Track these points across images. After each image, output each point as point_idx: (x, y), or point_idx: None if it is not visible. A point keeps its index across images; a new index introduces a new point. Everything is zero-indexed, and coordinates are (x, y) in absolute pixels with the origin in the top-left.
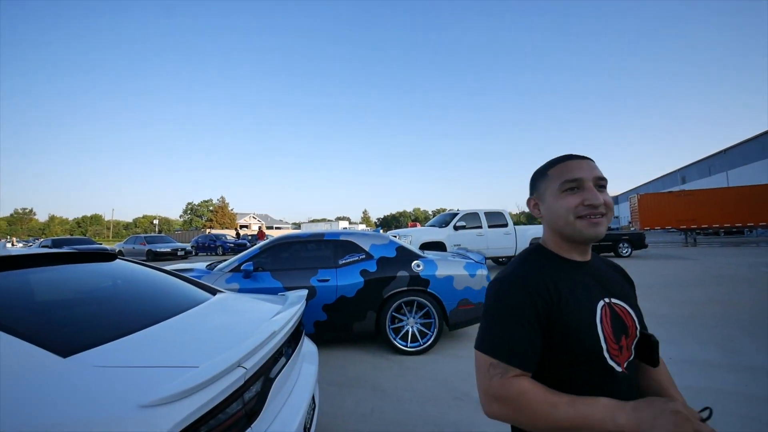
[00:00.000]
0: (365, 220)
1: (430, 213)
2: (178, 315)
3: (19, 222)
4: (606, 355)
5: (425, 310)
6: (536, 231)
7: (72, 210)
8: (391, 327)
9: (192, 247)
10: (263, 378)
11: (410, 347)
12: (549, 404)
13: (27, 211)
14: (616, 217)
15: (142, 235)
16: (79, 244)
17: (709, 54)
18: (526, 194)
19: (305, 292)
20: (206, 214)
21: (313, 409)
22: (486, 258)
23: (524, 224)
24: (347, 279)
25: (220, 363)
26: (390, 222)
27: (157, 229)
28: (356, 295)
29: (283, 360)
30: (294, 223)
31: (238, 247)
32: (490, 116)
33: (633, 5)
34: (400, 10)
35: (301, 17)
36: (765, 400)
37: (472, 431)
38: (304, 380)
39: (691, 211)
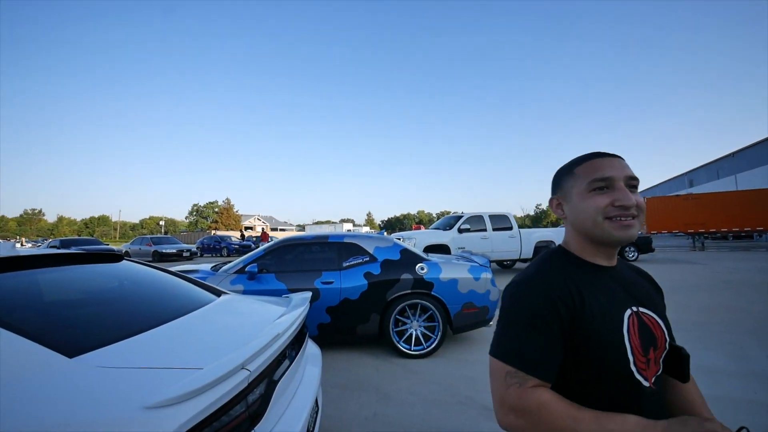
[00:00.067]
0: (369, 222)
1: (434, 216)
2: (183, 316)
3: (29, 222)
4: (633, 368)
5: (429, 313)
6: (541, 234)
7: (80, 211)
8: (395, 330)
9: (197, 248)
10: (267, 380)
11: (414, 350)
12: (571, 419)
13: (36, 211)
14: None
15: (149, 236)
16: (86, 245)
17: (718, 56)
18: (530, 197)
19: (309, 294)
20: (211, 216)
21: (317, 412)
22: (490, 261)
23: (529, 227)
24: (351, 281)
25: (224, 365)
26: (394, 224)
27: (163, 231)
28: (360, 298)
29: (286, 362)
30: (298, 225)
31: (242, 249)
32: (494, 119)
33: (641, 7)
34: (407, 14)
35: (306, 20)
36: None
37: None
38: (307, 383)
39: (699, 215)
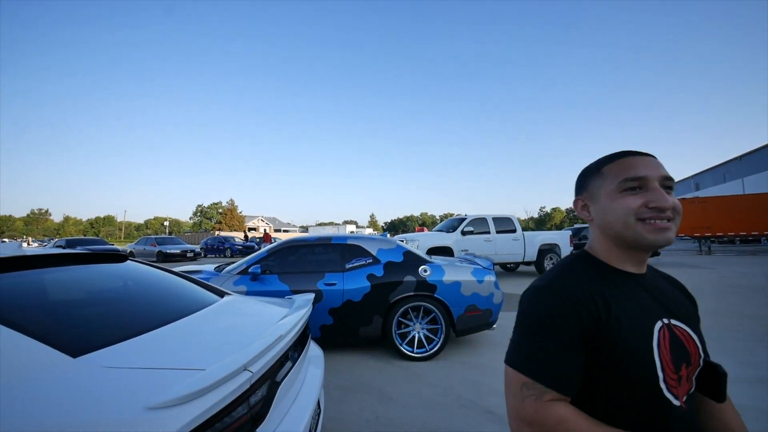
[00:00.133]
0: (372, 224)
1: (438, 218)
2: (187, 317)
3: (35, 222)
4: (662, 385)
5: (432, 315)
6: (545, 237)
7: (86, 211)
8: (398, 332)
9: (201, 248)
10: (269, 382)
11: (416, 353)
12: None
13: (43, 211)
14: None
15: (153, 236)
16: (92, 245)
17: (725, 59)
18: (534, 200)
19: (312, 295)
20: (215, 217)
21: (319, 414)
22: (494, 264)
23: (532, 230)
24: (354, 283)
25: (226, 366)
26: (397, 226)
27: (167, 231)
28: (363, 300)
29: (289, 364)
30: (301, 227)
31: (246, 249)
32: (498, 121)
33: (646, 8)
34: (412, 17)
35: (312, 23)
36: None
37: None
38: (309, 384)
39: (705, 219)
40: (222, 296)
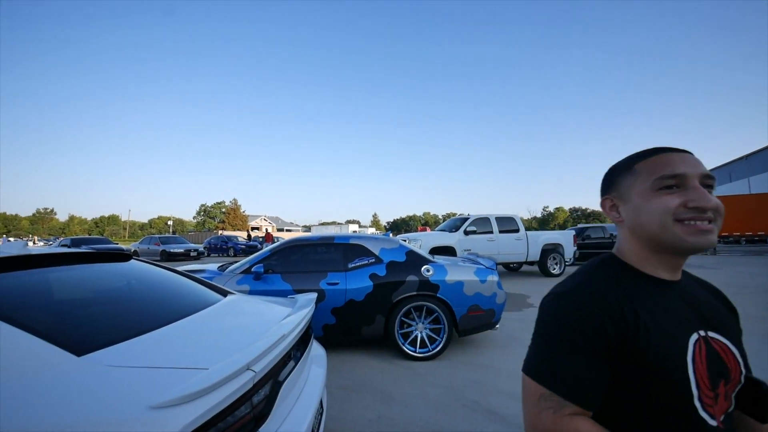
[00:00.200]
0: (375, 223)
1: (440, 217)
2: (190, 316)
3: (41, 221)
4: (697, 403)
5: (434, 315)
6: (548, 237)
7: (90, 210)
8: (400, 332)
9: (204, 248)
10: (272, 381)
11: (419, 353)
12: None
13: (48, 211)
14: None
15: (157, 235)
16: (96, 244)
17: (730, 58)
18: (537, 199)
19: (315, 295)
20: (219, 216)
21: (321, 414)
22: (497, 264)
23: (536, 230)
24: (356, 283)
25: (229, 365)
26: (399, 226)
27: (171, 230)
28: (365, 299)
29: (291, 363)
30: (304, 226)
31: (249, 249)
32: (501, 121)
33: (652, 6)
34: (416, 17)
35: (315, 24)
36: None
37: None
38: (312, 384)
39: None
40: (225, 295)
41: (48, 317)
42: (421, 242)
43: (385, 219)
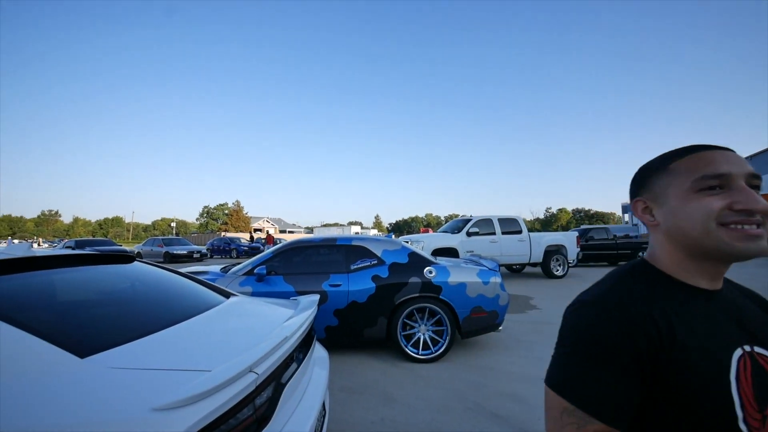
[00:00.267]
0: (377, 225)
1: (443, 219)
2: (193, 318)
3: (46, 223)
4: (742, 426)
5: (437, 317)
6: (552, 238)
7: (95, 212)
8: (403, 334)
9: (207, 249)
10: (274, 383)
11: (421, 355)
12: None
13: (53, 212)
14: (635, 225)
15: (160, 237)
16: (100, 246)
17: (737, 57)
18: (540, 201)
19: (317, 297)
20: (221, 218)
21: (324, 416)
22: (500, 265)
23: (538, 231)
24: (359, 284)
25: (232, 367)
26: (402, 227)
27: (174, 232)
28: (368, 301)
29: (294, 365)
30: (307, 228)
31: (251, 250)
32: (504, 123)
33: (656, 7)
34: (417, 18)
35: (316, 25)
36: None
37: None
38: (314, 386)
39: None
40: (228, 297)
41: (52, 319)
42: (423, 244)
43: (387, 220)
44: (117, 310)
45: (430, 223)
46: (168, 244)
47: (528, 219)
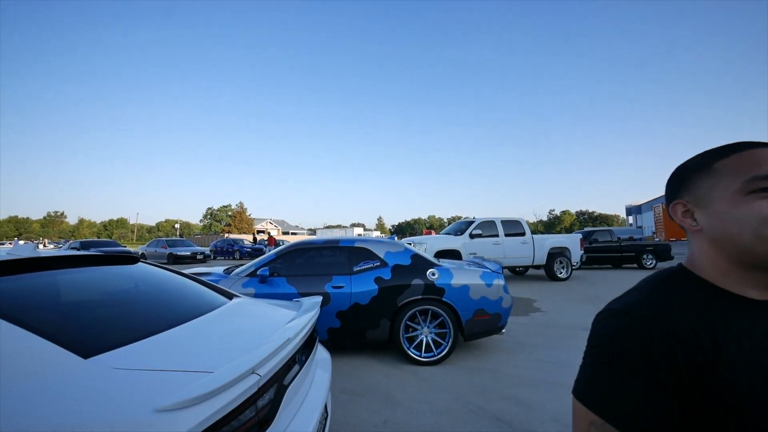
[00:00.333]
0: (380, 227)
1: (446, 221)
2: (196, 319)
3: (51, 224)
4: None
5: (440, 319)
6: (555, 241)
7: (99, 213)
8: (405, 336)
9: (211, 251)
10: (277, 385)
11: (424, 357)
12: None
13: (58, 214)
14: (640, 227)
15: (164, 238)
16: (105, 247)
17: (740, 61)
18: (543, 203)
19: (320, 298)
20: (225, 219)
21: (326, 418)
22: (503, 267)
23: (542, 233)
24: (361, 286)
25: (234, 369)
26: (405, 229)
27: (178, 233)
28: (370, 303)
29: (296, 367)
30: (309, 229)
31: (254, 252)
32: (507, 124)
33: (660, 7)
34: (419, 20)
35: (319, 28)
36: None
37: None
38: (317, 388)
39: None
40: (231, 298)
41: (56, 319)
42: (426, 246)
43: (390, 222)
44: (121, 310)
45: (433, 225)
46: (172, 245)
47: (531, 221)
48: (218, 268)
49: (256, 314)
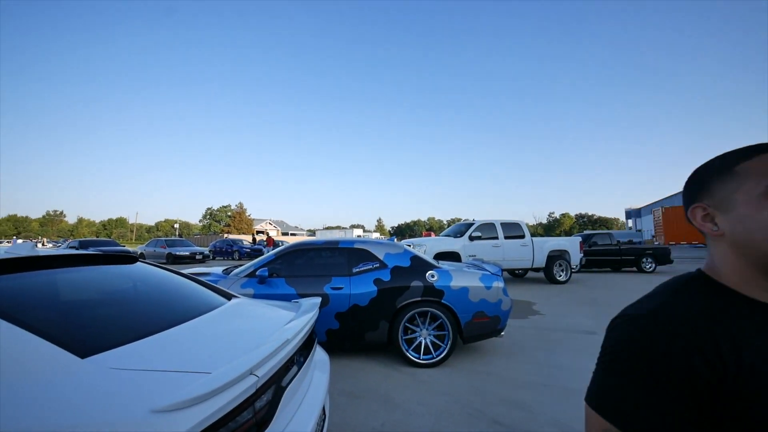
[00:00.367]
0: (379, 228)
1: (445, 222)
2: (194, 319)
3: (50, 223)
4: None
5: (439, 321)
6: (555, 243)
7: (99, 213)
8: (404, 338)
9: (210, 251)
10: (275, 386)
11: (423, 359)
12: None
13: (58, 213)
14: (639, 231)
15: (163, 238)
16: (104, 246)
17: (741, 62)
18: (543, 205)
19: (319, 300)
20: (224, 220)
21: (324, 420)
22: (502, 270)
23: (541, 236)
24: (361, 287)
25: (232, 370)
26: (404, 231)
27: (177, 233)
28: (369, 304)
29: (295, 368)
30: (309, 230)
31: (253, 252)
32: (507, 127)
33: (663, 8)
34: (420, 21)
35: (321, 28)
36: None
37: None
38: (315, 390)
39: None
40: (229, 299)
41: (54, 318)
42: (425, 247)
43: (389, 224)
44: (119, 310)
45: (433, 227)
46: (171, 245)
47: (531, 224)
48: (217, 269)
49: (255, 315)
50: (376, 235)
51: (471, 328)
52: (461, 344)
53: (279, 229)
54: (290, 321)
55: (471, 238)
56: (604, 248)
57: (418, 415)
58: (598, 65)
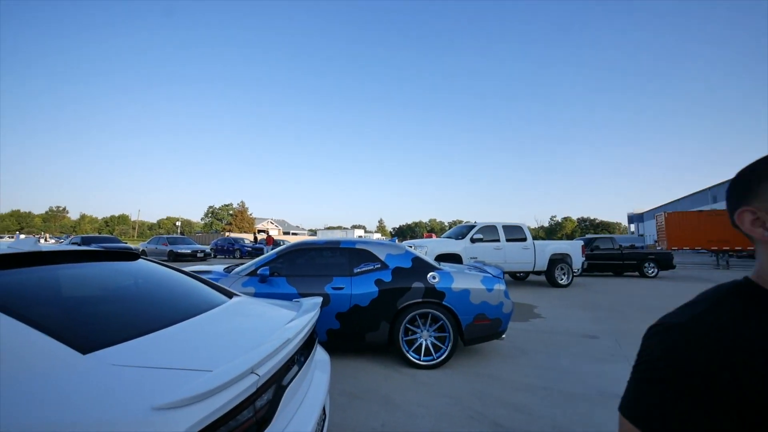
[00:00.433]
0: (381, 229)
1: (447, 224)
2: (195, 317)
3: (53, 219)
4: None
5: (440, 323)
6: (556, 247)
7: (101, 209)
8: (405, 339)
9: (211, 249)
10: (275, 386)
11: (423, 361)
12: None
13: (60, 209)
14: (641, 235)
15: (165, 236)
16: (106, 243)
17: (745, 67)
18: (545, 208)
19: (320, 299)
20: (226, 218)
21: (324, 420)
22: (504, 272)
23: (543, 239)
24: (362, 288)
25: (233, 368)
26: (405, 232)
27: (179, 231)
28: (370, 305)
29: (295, 368)
30: (310, 230)
31: (255, 251)
32: (509, 130)
33: (669, 16)
34: (421, 21)
35: (322, 29)
36: None
37: None
38: (315, 389)
39: (722, 232)
40: (230, 297)
41: (55, 314)
42: (427, 249)
43: (390, 225)
44: (120, 307)
45: (434, 229)
46: (172, 242)
47: (532, 227)
48: (218, 267)
49: (256, 314)
50: (377, 236)
51: (472, 330)
52: (462, 346)
53: (280, 228)
54: (291, 320)
55: (473, 241)
56: (606, 252)
57: (418, 416)
58: (602, 69)
